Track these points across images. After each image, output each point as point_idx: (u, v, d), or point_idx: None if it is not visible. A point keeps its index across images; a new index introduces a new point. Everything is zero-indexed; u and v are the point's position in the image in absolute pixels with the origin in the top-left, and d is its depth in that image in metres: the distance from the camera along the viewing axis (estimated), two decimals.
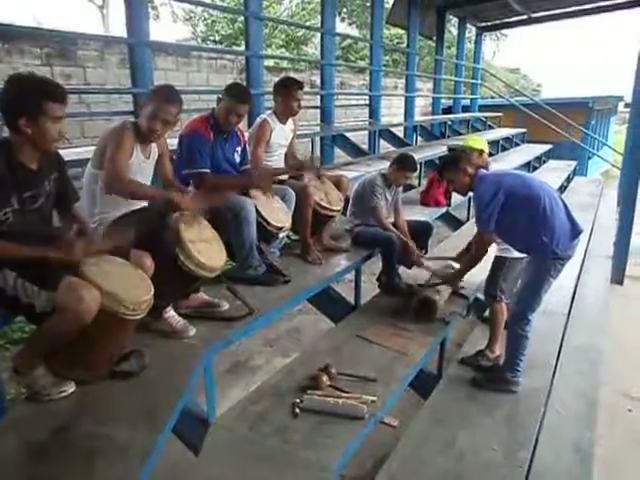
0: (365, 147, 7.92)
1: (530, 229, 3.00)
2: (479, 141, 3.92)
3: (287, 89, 3.69)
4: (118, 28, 18.62)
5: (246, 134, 3.66)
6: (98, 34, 5.29)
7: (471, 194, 3.26)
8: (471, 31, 13.79)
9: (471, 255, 3.35)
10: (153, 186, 2.67)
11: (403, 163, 4.05)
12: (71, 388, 2.06)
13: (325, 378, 2.71)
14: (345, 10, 20.90)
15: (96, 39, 6.99)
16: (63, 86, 2.00)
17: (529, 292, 3.12)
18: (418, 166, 4.26)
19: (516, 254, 3.40)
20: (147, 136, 2.53)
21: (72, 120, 6.43)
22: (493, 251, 3.44)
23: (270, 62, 10.37)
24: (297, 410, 2.51)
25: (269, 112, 3.77)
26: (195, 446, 2.33)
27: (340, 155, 7.57)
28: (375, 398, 2.62)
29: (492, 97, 16.11)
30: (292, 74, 10.36)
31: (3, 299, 1.97)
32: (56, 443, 1.80)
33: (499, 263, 3.52)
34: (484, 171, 3.24)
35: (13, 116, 1.90)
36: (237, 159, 3.38)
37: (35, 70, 6.31)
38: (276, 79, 10.19)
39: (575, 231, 3.06)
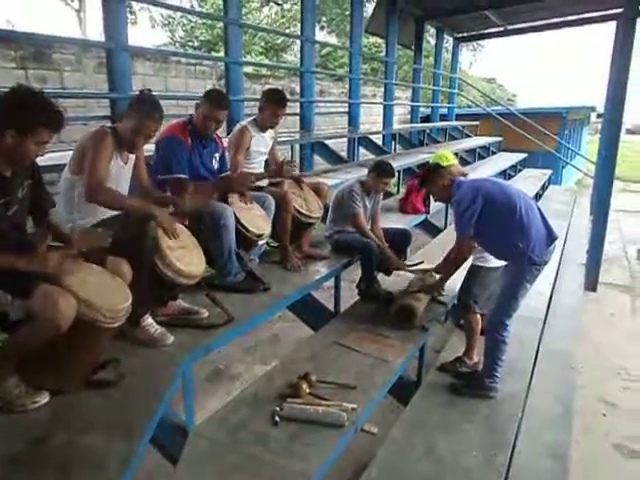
0: (344, 154, 7.96)
1: (507, 235, 3.05)
2: (445, 158, 3.90)
3: (272, 103, 3.70)
4: (95, 32, 18.41)
5: (225, 141, 3.65)
6: (76, 38, 5.21)
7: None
8: (448, 41, 13.99)
9: (451, 261, 3.37)
10: (133, 197, 2.64)
11: (380, 170, 4.07)
12: (45, 398, 2.01)
13: (305, 386, 2.70)
14: (324, 19, 20.99)
15: (74, 43, 6.90)
16: (63, 116, 1.99)
17: (506, 298, 3.16)
18: (395, 172, 4.28)
19: (491, 264, 3.44)
20: (130, 148, 2.56)
21: None
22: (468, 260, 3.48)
23: (249, 69, 10.36)
24: (277, 418, 2.49)
25: (249, 119, 3.77)
26: (173, 456, 2.29)
27: (319, 162, 7.59)
28: (355, 405, 2.62)
29: (469, 106, 16.34)
30: (271, 81, 10.38)
31: None
32: (30, 455, 1.76)
33: (473, 272, 3.55)
34: (462, 178, 3.30)
35: (2, 124, 1.87)
36: (215, 166, 3.36)
37: (9, 73, 6.22)
38: (255, 86, 10.19)
39: (551, 237, 3.12)
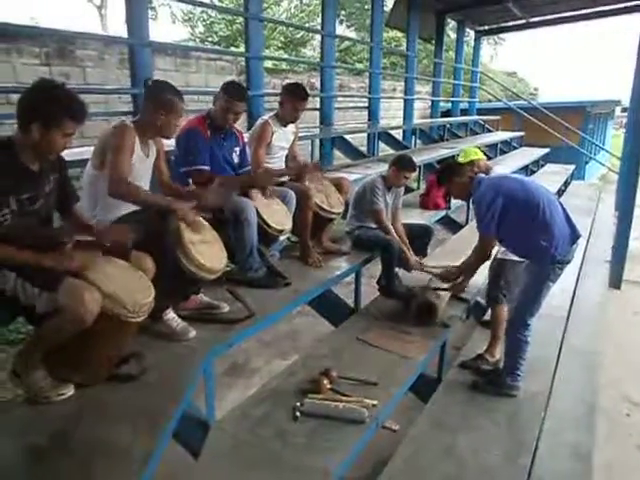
0: (364, 149, 7.92)
1: (529, 234, 3.00)
2: (469, 153, 3.88)
3: (293, 97, 3.68)
4: (117, 28, 18.58)
5: (246, 136, 3.65)
6: (99, 34, 5.26)
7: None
8: (469, 35, 13.82)
9: (473, 259, 3.34)
10: (156, 194, 2.66)
11: (401, 163, 4.03)
12: (70, 391, 2.03)
13: (326, 382, 2.69)
14: (343, 12, 20.89)
15: (97, 39, 6.98)
16: (87, 107, 2.01)
17: (528, 297, 3.11)
18: (416, 166, 4.24)
19: (517, 257, 3.40)
20: (164, 135, 2.64)
21: None
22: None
23: (269, 64, 10.35)
24: (298, 414, 2.49)
25: (271, 114, 3.76)
26: (195, 450, 2.30)
27: (339, 157, 7.57)
28: (376, 402, 2.60)
29: (489, 101, 16.14)
30: (291, 76, 10.36)
31: (2, 300, 1.94)
32: (55, 448, 1.78)
33: (500, 266, 3.52)
34: (482, 175, 3.25)
35: (28, 118, 1.89)
36: (236, 160, 3.36)
37: (34, 70, 6.30)
38: (275, 80, 10.15)
39: (574, 235, 3.05)
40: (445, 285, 3.74)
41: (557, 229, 2.97)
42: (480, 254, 3.21)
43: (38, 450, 1.77)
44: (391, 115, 12.04)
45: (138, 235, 2.32)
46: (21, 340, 4.03)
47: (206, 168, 3.10)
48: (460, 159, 3.52)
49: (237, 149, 3.37)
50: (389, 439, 2.97)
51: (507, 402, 3.19)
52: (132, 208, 2.53)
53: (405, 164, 4.03)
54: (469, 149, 3.70)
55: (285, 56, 16.36)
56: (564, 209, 3.10)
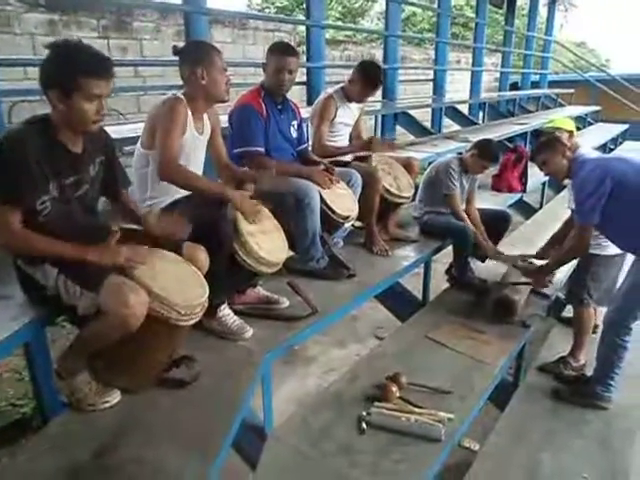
0: (427, 125, 7.45)
1: None
2: (568, 122, 3.46)
3: (365, 82, 3.34)
4: None
5: (307, 111, 3.35)
6: (156, 2, 5.04)
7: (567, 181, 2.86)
8: None
9: (567, 250, 2.90)
10: (208, 179, 2.39)
11: (482, 151, 3.58)
12: (116, 398, 1.84)
13: (395, 389, 2.40)
14: None
15: (152, 7, 6.76)
16: (107, 59, 1.69)
17: (635, 297, 2.69)
18: (499, 157, 3.79)
19: (609, 251, 2.98)
20: (218, 101, 2.37)
21: (128, 95, 6.33)
22: None
23: (327, 35, 9.93)
24: (364, 425, 2.22)
25: (336, 88, 3.44)
26: (252, 460, 2.09)
27: (401, 134, 7.14)
28: (452, 415, 2.30)
29: (556, 73, 15.07)
30: (350, 47, 9.93)
31: (44, 298, 1.76)
32: (97, 467, 1.58)
33: (588, 261, 3.08)
34: (585, 154, 2.80)
35: (46, 88, 1.63)
36: (294, 134, 3.08)
37: (91, 42, 6.21)
38: (334, 52, 9.69)
39: None
40: (525, 279, 3.37)
41: None
42: (578, 246, 2.78)
43: (76, 471, 1.57)
44: (454, 89, 11.38)
45: (192, 223, 2.10)
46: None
47: (260, 150, 2.82)
48: (559, 124, 3.06)
49: (295, 123, 3.09)
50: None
51: (597, 415, 2.82)
52: (185, 192, 2.30)
53: (487, 153, 3.58)
54: (563, 120, 3.23)
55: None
56: None
